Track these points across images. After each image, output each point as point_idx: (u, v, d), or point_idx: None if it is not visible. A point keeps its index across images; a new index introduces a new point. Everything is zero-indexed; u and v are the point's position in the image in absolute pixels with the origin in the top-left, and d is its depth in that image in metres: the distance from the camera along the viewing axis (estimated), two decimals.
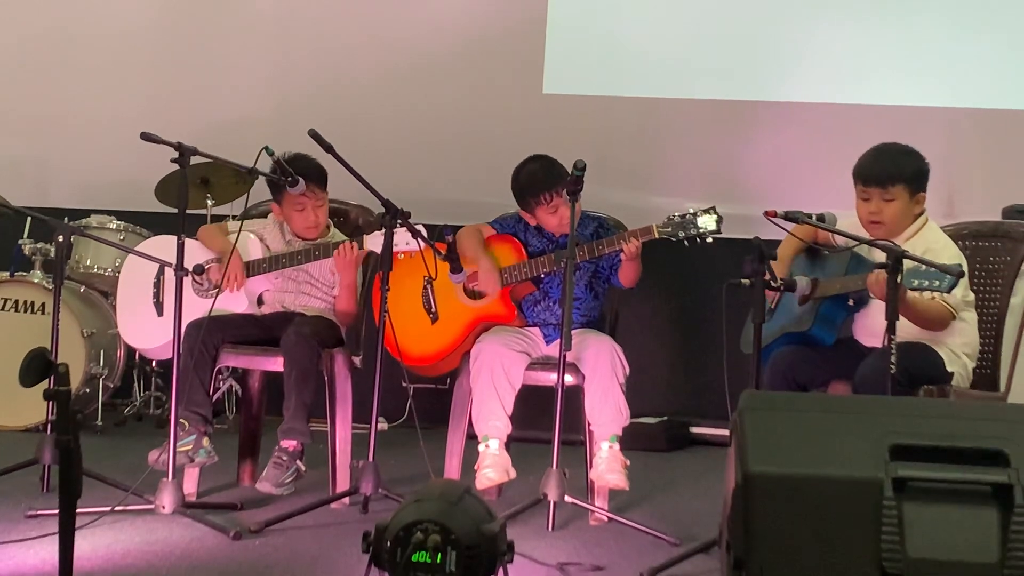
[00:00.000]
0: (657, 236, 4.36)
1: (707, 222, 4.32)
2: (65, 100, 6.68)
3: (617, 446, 4.29)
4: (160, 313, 4.70)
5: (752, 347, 3.81)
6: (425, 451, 4.34)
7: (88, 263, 5.85)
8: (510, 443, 4.37)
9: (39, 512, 4.00)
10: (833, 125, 6.08)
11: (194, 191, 5.38)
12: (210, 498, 4.46)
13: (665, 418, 6.05)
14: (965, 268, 3.90)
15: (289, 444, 4.38)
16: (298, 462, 4.38)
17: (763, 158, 6.18)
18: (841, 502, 2.57)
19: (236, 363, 4.83)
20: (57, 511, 2.65)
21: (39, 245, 5.83)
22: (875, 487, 2.56)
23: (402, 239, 4.28)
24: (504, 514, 3.52)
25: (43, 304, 5.71)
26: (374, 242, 4.43)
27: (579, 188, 4.17)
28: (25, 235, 5.86)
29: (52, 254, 5.45)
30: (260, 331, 4.63)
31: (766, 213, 3.80)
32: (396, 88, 6.47)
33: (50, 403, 3.74)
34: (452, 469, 4.49)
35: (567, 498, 4.09)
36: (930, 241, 4.05)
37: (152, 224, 5.75)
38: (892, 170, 4.10)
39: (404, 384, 4.90)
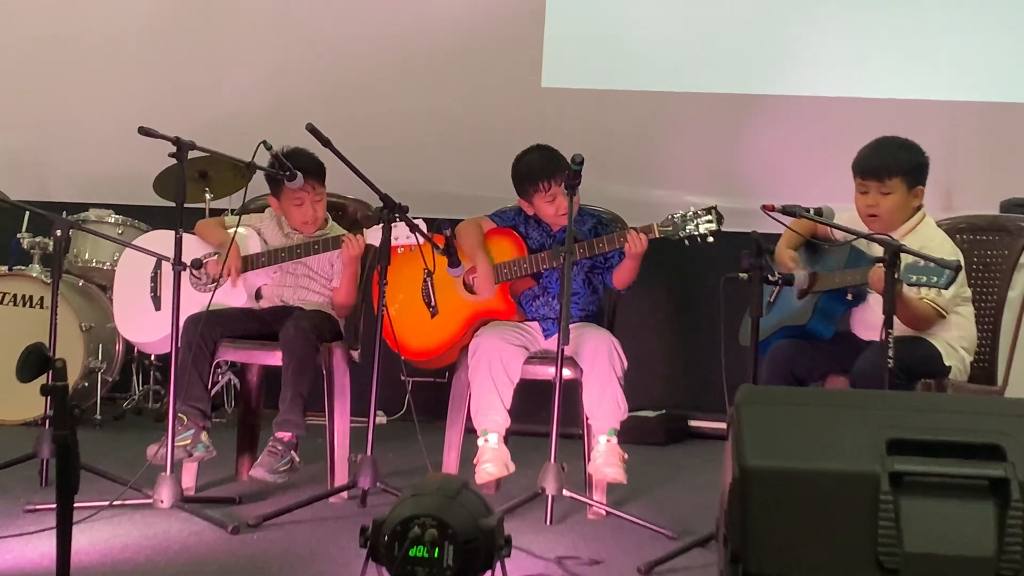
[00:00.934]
0: (658, 235, 4.36)
1: (708, 222, 4.31)
2: (63, 94, 6.68)
3: (615, 440, 4.29)
4: (158, 307, 4.70)
5: (750, 341, 3.82)
6: (423, 445, 4.34)
7: (86, 257, 5.85)
8: (508, 437, 4.38)
9: (37, 507, 4.00)
10: (832, 119, 6.08)
11: (192, 185, 5.38)
12: (208, 492, 4.47)
13: (663, 412, 6.06)
14: (962, 263, 3.90)
15: (284, 435, 4.38)
16: (292, 452, 4.38)
17: (762, 152, 6.18)
18: (838, 496, 2.57)
19: (234, 357, 4.83)
20: (55, 505, 2.65)
21: (37, 239, 5.83)
22: (872, 481, 2.56)
23: (401, 233, 4.28)
24: (502, 508, 3.52)
25: (41, 298, 5.71)
26: (373, 236, 4.43)
27: (577, 182, 4.17)
28: (23, 229, 5.86)
29: (50, 248, 5.45)
30: (259, 325, 4.64)
31: (764, 207, 3.79)
32: (394, 82, 6.47)
33: (47, 398, 3.73)
34: (450, 463, 4.50)
35: (565, 492, 4.09)
36: (926, 238, 4.05)
37: (150, 218, 5.76)
38: (889, 163, 4.11)
39: (403, 378, 4.90)
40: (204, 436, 4.42)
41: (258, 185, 4.82)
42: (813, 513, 2.58)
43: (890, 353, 3.55)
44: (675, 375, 6.38)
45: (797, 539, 2.58)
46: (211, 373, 4.55)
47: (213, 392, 5.22)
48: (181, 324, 4.20)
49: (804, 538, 2.58)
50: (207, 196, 5.58)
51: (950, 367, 4.06)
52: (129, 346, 5.89)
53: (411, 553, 2.73)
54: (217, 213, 5.35)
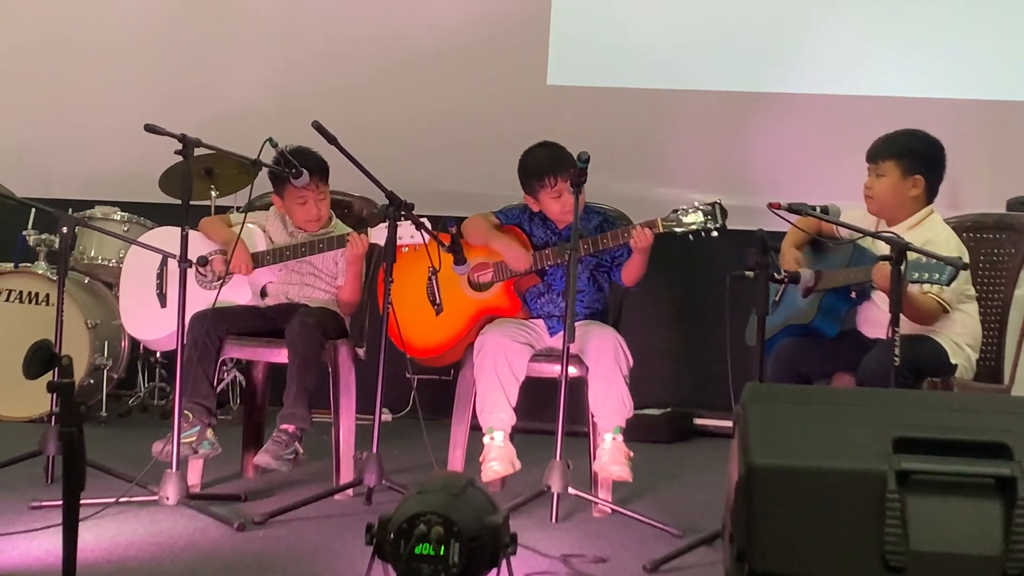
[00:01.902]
0: (662, 230, 4.36)
1: (711, 216, 4.31)
2: (69, 91, 6.67)
3: (621, 438, 4.29)
4: (163, 304, 4.70)
5: (756, 339, 3.81)
6: (429, 442, 4.34)
7: (92, 254, 5.85)
8: (514, 435, 4.37)
9: (43, 503, 4.01)
10: (838, 117, 6.08)
11: (198, 183, 5.37)
12: (214, 489, 4.46)
13: (668, 410, 6.05)
14: (967, 261, 3.90)
15: (289, 427, 4.37)
16: (297, 444, 4.37)
17: (767, 150, 6.17)
18: (845, 495, 2.57)
19: (240, 354, 4.83)
20: (61, 502, 2.65)
21: (43, 236, 5.83)
22: (879, 480, 2.55)
23: (406, 231, 4.28)
24: (507, 506, 3.52)
25: (47, 295, 5.71)
26: (378, 234, 4.43)
27: (583, 180, 4.17)
28: (29, 226, 5.85)
29: (56, 245, 5.45)
30: (264, 323, 4.63)
31: (770, 205, 3.79)
32: (399, 79, 6.46)
33: (54, 395, 3.74)
34: (456, 460, 4.50)
35: (570, 490, 4.09)
36: (931, 233, 4.05)
37: (156, 215, 5.75)
38: (881, 147, 4.18)
39: (408, 375, 4.90)
40: (210, 433, 4.41)
41: (262, 183, 4.82)
42: (819, 511, 2.57)
43: (896, 351, 3.55)
44: (680, 373, 6.37)
45: (803, 537, 2.58)
46: (216, 370, 4.55)
47: (219, 389, 5.22)
48: (187, 321, 4.20)
49: (810, 536, 2.57)
50: (212, 194, 5.58)
51: (956, 365, 4.06)
52: (135, 343, 5.88)
53: (417, 550, 2.73)
54: (222, 211, 5.35)
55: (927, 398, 3.34)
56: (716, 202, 4.33)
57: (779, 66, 6.26)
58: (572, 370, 4.24)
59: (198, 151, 4.12)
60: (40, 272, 5.76)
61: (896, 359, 3.55)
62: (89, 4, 6.71)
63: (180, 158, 4.11)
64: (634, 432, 4.44)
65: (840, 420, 2.67)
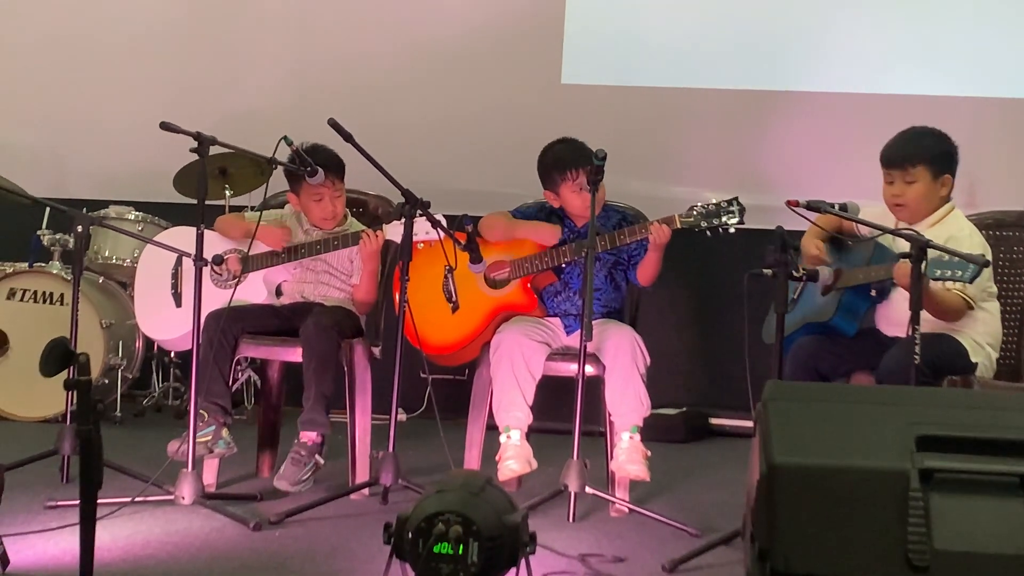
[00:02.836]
0: (680, 226, 4.34)
1: (730, 213, 4.29)
2: (84, 91, 6.67)
3: (638, 437, 4.27)
4: (179, 304, 4.69)
5: (775, 337, 3.79)
6: (445, 442, 4.32)
7: (107, 254, 5.84)
8: (530, 434, 4.36)
9: (59, 503, 4.00)
10: (855, 115, 6.05)
11: (213, 182, 5.37)
12: (230, 489, 4.46)
13: (684, 409, 6.03)
14: (989, 258, 3.87)
15: (308, 438, 4.35)
16: (317, 456, 4.36)
17: (785, 148, 6.15)
18: (867, 493, 2.54)
19: (255, 354, 4.82)
20: (76, 502, 2.64)
21: (57, 236, 5.83)
22: (902, 478, 2.53)
23: (421, 229, 4.26)
24: (525, 505, 3.50)
25: (62, 295, 5.71)
26: (394, 232, 4.41)
27: (599, 177, 4.15)
28: (43, 226, 5.86)
29: (71, 245, 5.45)
30: (279, 321, 4.62)
31: (788, 203, 3.76)
32: (414, 78, 6.45)
33: (70, 392, 3.73)
34: (472, 460, 4.48)
35: (588, 489, 4.08)
36: (954, 229, 4.02)
37: (171, 215, 5.75)
38: (912, 151, 4.09)
39: (423, 374, 4.88)
40: (225, 432, 4.41)
41: (277, 182, 4.81)
42: (842, 510, 2.55)
43: (917, 350, 3.52)
44: (697, 372, 6.35)
45: (825, 537, 2.55)
46: (232, 369, 4.54)
47: (234, 388, 5.21)
48: (202, 320, 4.19)
49: (833, 535, 2.55)
50: (227, 192, 5.57)
51: (976, 363, 4.03)
52: (149, 343, 5.87)
53: (435, 550, 2.72)
54: (237, 209, 5.34)
55: (949, 396, 3.31)
56: (734, 198, 4.31)
57: (795, 64, 6.23)
58: (589, 369, 4.22)
59: (212, 151, 4.11)
60: (55, 272, 5.76)
61: (916, 358, 3.52)
62: (103, 3, 6.71)
63: (195, 157, 4.10)
64: (650, 432, 4.42)
65: (862, 418, 2.65)
